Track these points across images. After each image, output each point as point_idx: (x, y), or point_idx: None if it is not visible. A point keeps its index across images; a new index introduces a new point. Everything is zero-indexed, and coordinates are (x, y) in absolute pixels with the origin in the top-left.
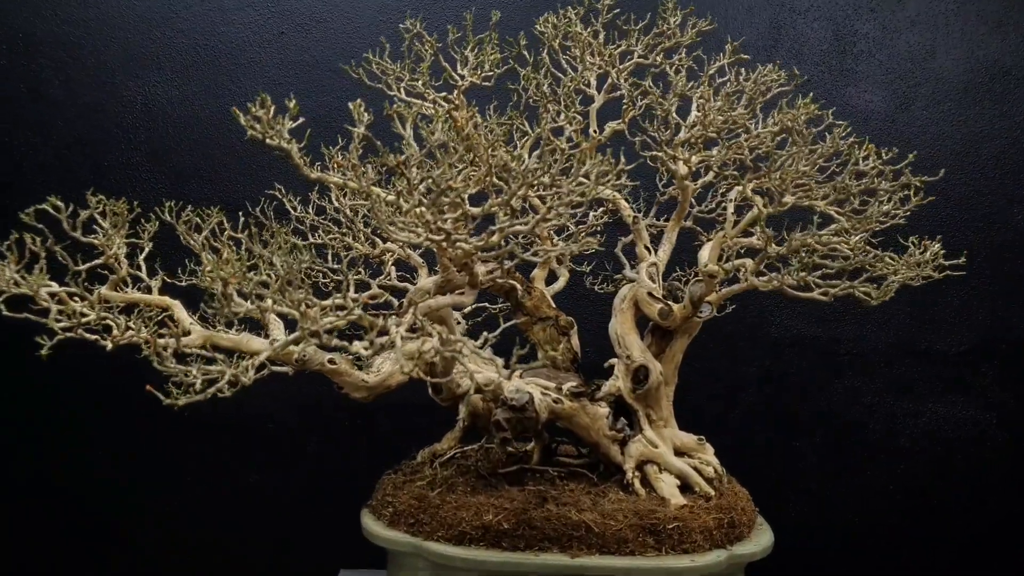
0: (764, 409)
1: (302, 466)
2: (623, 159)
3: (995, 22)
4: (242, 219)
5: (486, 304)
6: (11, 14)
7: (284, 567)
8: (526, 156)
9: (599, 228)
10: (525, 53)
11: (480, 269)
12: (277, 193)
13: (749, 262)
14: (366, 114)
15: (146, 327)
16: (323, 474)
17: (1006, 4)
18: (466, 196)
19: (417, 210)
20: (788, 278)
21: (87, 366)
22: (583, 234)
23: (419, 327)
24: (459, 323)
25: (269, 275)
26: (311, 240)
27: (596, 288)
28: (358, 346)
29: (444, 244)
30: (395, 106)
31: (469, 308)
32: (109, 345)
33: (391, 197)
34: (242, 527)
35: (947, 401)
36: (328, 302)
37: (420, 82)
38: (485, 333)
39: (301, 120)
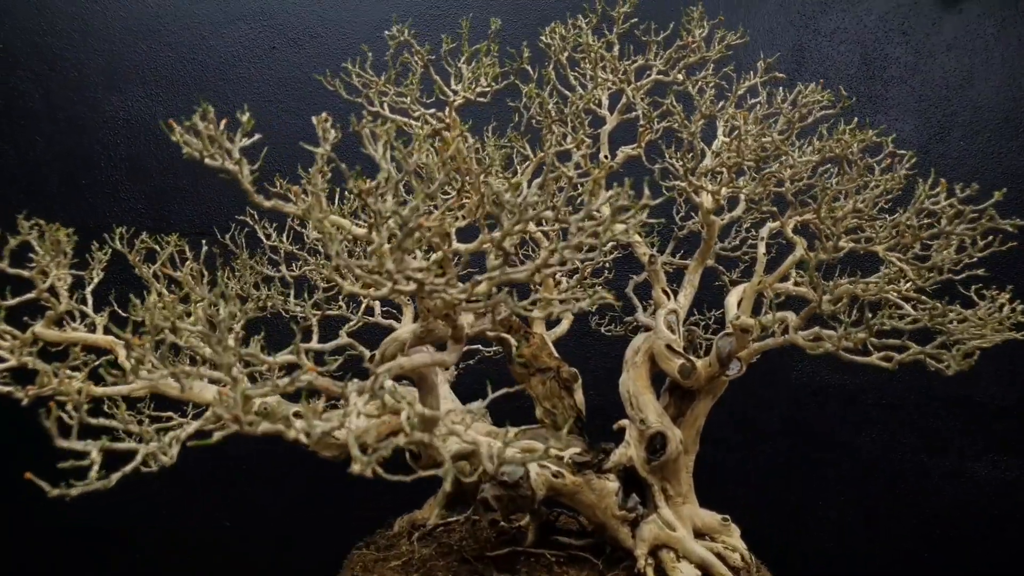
0: (785, 464)
1: (275, 514)
2: (647, 191)
3: None
4: (205, 248)
5: (479, 347)
6: None
7: None
8: (525, 185)
9: (609, 265)
10: (528, 68)
11: (467, 320)
12: (248, 219)
13: (791, 316)
14: (332, 131)
15: (79, 372)
16: (302, 520)
17: None
18: (451, 233)
19: (381, 251)
20: (845, 341)
21: None
22: (594, 283)
23: (383, 396)
24: (447, 369)
25: (206, 322)
26: (284, 272)
27: (603, 330)
28: (297, 431)
29: (418, 295)
30: (363, 122)
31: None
32: (24, 399)
33: (362, 231)
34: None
35: (988, 461)
36: (277, 358)
37: (408, 98)
38: (474, 404)
39: (258, 137)
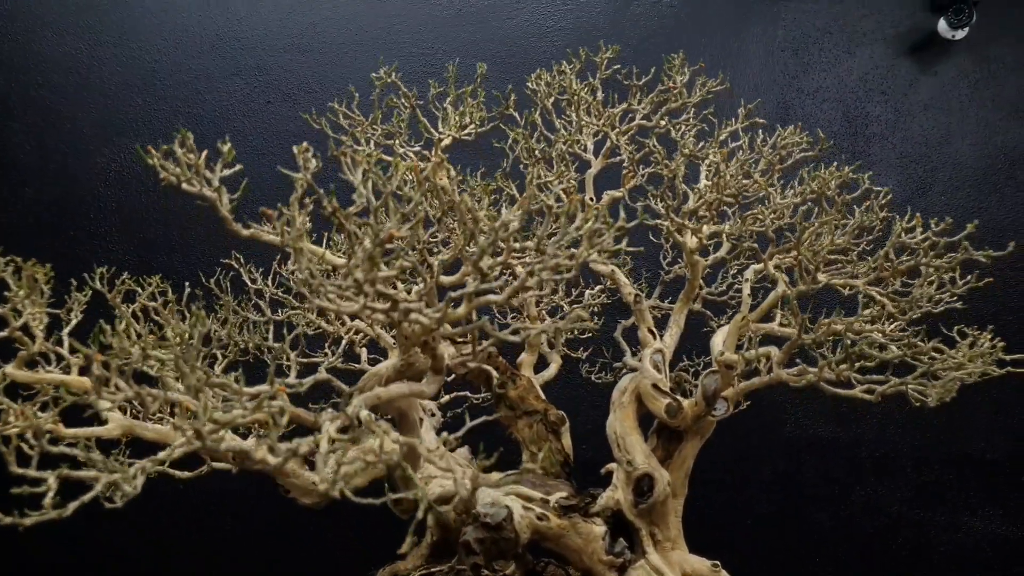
0: (779, 518)
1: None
2: (623, 215)
3: (1012, 109)
4: (188, 290)
5: (466, 394)
6: None
7: None
8: (504, 209)
9: (596, 308)
10: (515, 114)
11: (448, 351)
12: (234, 263)
13: (775, 351)
14: (313, 160)
15: (48, 411)
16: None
17: (1023, 91)
18: (434, 264)
19: (355, 270)
20: (827, 371)
21: None
22: (574, 310)
23: (357, 424)
24: (433, 415)
25: (171, 351)
26: (268, 316)
27: (593, 377)
28: (264, 454)
29: (394, 316)
30: (343, 148)
31: (444, 398)
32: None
33: (340, 260)
34: None
35: (984, 515)
36: (249, 389)
37: (396, 140)
38: (445, 433)
39: (238, 167)
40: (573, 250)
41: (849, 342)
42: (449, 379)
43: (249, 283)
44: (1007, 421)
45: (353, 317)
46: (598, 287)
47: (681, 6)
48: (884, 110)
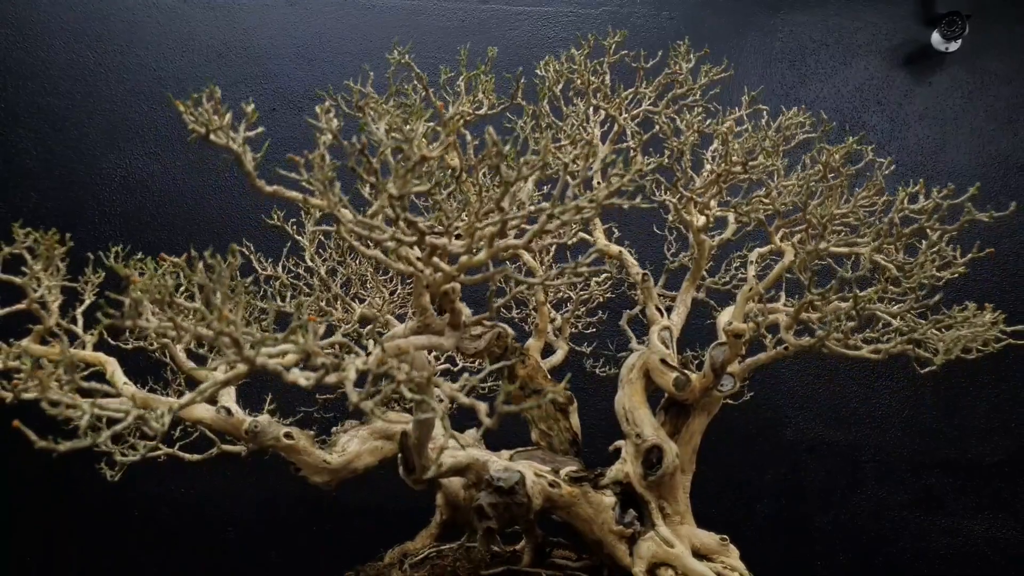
0: (782, 522)
1: (266, 555)
2: (640, 159)
3: (1004, 119)
4: (202, 269)
5: (475, 379)
6: None
7: None
8: (526, 184)
9: (602, 299)
10: (523, 102)
11: (464, 311)
12: (244, 250)
13: (783, 317)
14: (335, 119)
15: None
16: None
17: (1014, 102)
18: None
19: (386, 191)
20: (835, 333)
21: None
22: (574, 270)
23: (382, 363)
24: (441, 401)
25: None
26: (279, 304)
27: (597, 371)
28: (296, 374)
29: (420, 264)
30: (366, 99)
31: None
32: (9, 396)
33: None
34: None
35: (984, 519)
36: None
37: (408, 125)
38: (466, 375)
39: (260, 129)
40: (590, 193)
41: (857, 306)
42: (458, 369)
43: (259, 270)
44: (1006, 423)
45: (360, 302)
46: (604, 275)
47: (680, 19)
48: (880, 120)
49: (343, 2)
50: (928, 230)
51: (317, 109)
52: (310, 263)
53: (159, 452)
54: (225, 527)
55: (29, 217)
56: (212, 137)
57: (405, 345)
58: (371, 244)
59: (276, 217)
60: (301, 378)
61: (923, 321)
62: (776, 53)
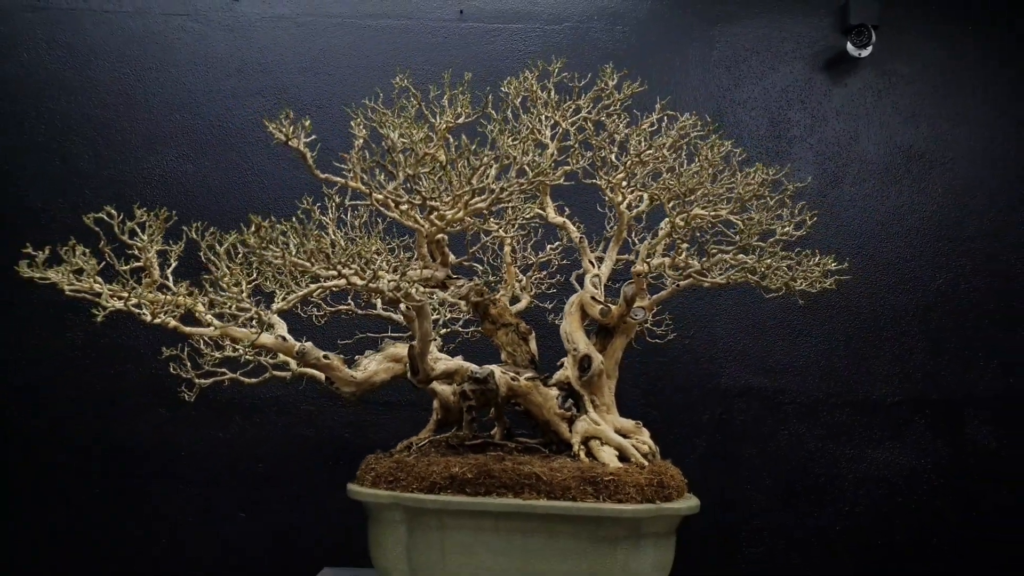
0: (718, 453)
1: (290, 488)
2: (554, 152)
3: (908, 114)
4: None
5: (458, 329)
6: (51, 99)
7: (272, 559)
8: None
9: (557, 264)
10: (492, 111)
11: (450, 257)
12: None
13: (667, 260)
14: (364, 130)
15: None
16: (309, 489)
17: (915, 99)
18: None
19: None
20: (693, 261)
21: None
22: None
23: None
24: (434, 340)
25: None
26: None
27: (557, 322)
28: (357, 282)
29: (421, 220)
30: (384, 115)
31: (442, 331)
32: (148, 318)
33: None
34: (238, 521)
35: (885, 448)
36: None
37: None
38: (453, 287)
39: (313, 136)
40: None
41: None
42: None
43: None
44: (904, 371)
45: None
46: (557, 243)
47: (631, 31)
48: (803, 116)
49: (342, 23)
50: (767, 198)
51: (351, 123)
52: (333, 236)
53: (225, 376)
54: (257, 464)
55: (84, 209)
56: (290, 143)
57: (412, 273)
58: (392, 207)
59: (306, 202)
60: (356, 278)
61: (752, 259)
62: (714, 60)
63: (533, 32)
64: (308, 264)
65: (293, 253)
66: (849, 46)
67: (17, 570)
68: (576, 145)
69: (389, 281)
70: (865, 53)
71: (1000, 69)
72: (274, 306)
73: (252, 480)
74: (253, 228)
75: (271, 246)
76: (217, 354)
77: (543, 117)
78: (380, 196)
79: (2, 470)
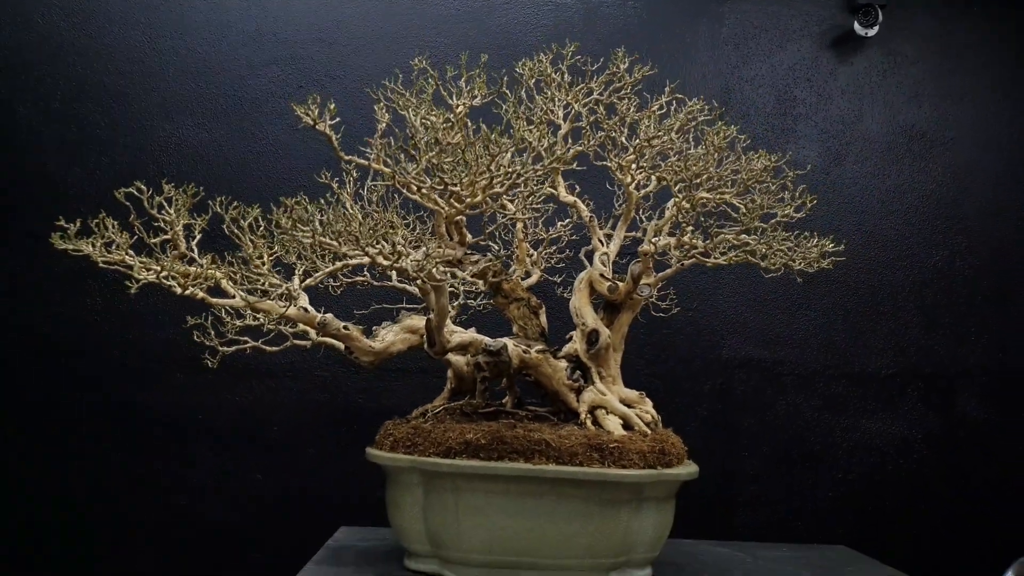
0: (718, 422)
1: (305, 451)
2: (576, 148)
3: (911, 94)
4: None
5: (470, 302)
6: (68, 66)
7: (289, 519)
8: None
9: (567, 240)
10: (507, 91)
11: (468, 237)
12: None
13: (673, 240)
14: (387, 113)
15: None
16: (324, 452)
17: (919, 79)
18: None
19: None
20: (698, 242)
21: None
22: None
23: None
24: (449, 314)
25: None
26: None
27: (566, 296)
28: (380, 259)
29: (441, 202)
30: (405, 98)
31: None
32: (179, 290)
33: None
34: (255, 483)
35: (878, 418)
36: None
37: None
38: (470, 268)
39: (337, 119)
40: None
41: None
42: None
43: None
44: (898, 345)
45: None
46: (567, 219)
47: (643, 7)
48: (808, 94)
49: None
50: (769, 183)
51: (375, 108)
52: (351, 210)
53: (247, 344)
54: (272, 427)
55: (101, 177)
56: (318, 127)
57: (432, 253)
58: (414, 190)
59: (325, 176)
60: (381, 258)
61: (754, 239)
62: (723, 37)
63: (546, 6)
64: (336, 244)
65: (321, 233)
66: (856, 25)
67: (36, 527)
68: (587, 127)
69: (413, 261)
70: (872, 32)
71: (1002, 51)
72: (296, 281)
73: (268, 443)
74: (283, 208)
75: (302, 227)
76: (238, 323)
77: (556, 98)
78: (403, 180)
79: (23, 430)
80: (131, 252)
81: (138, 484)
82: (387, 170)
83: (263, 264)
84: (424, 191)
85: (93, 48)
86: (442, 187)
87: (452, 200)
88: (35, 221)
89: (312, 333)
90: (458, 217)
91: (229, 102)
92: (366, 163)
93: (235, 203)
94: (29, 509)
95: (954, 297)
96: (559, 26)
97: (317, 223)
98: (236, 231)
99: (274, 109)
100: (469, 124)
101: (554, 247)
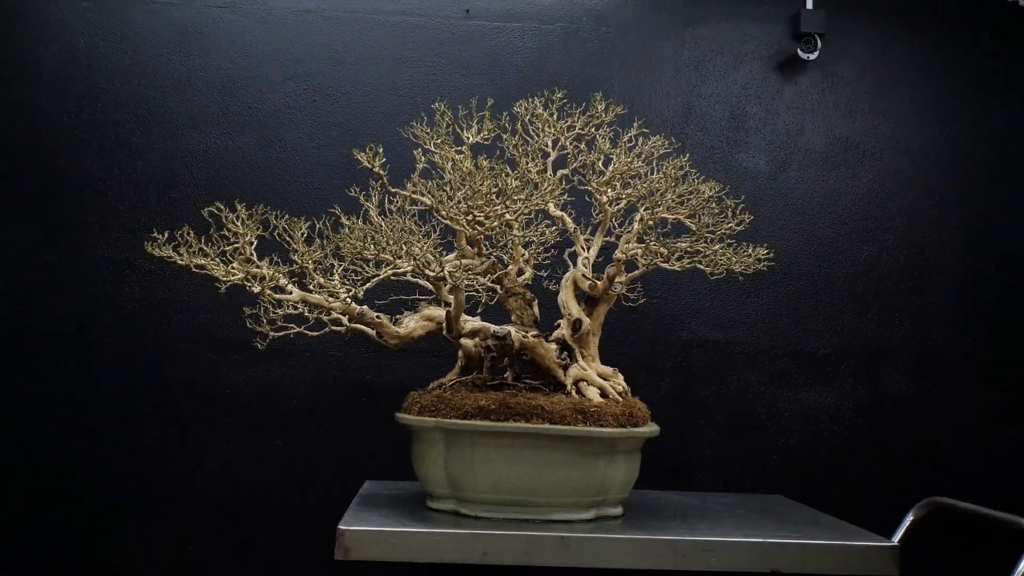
0: (678, 395)
1: (323, 419)
2: (565, 180)
3: (847, 110)
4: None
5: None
6: (107, 81)
7: (317, 476)
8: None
9: (552, 242)
10: (508, 126)
11: (485, 251)
12: (358, 228)
13: (640, 248)
14: (421, 155)
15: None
16: (340, 421)
17: (853, 98)
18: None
19: (460, 205)
20: (659, 248)
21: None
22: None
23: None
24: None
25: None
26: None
27: (552, 288)
28: (437, 269)
29: (465, 223)
30: (427, 137)
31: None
32: (256, 289)
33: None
34: (281, 443)
35: (815, 391)
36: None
37: (443, 143)
38: (479, 276)
39: (385, 160)
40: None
41: (673, 243)
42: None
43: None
44: (833, 328)
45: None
46: (553, 227)
47: (616, 32)
48: (758, 110)
49: (362, 17)
50: (710, 201)
51: (415, 153)
52: (377, 219)
53: (292, 330)
54: (293, 400)
55: (137, 182)
56: (376, 169)
57: (455, 262)
58: (444, 214)
59: (354, 191)
60: (427, 269)
61: (705, 246)
62: (685, 59)
63: (530, 30)
64: (390, 258)
65: (379, 251)
66: (799, 51)
67: (71, 495)
68: (572, 156)
69: (449, 271)
70: (812, 57)
71: (924, 75)
72: (357, 286)
73: (291, 413)
74: (348, 230)
75: (365, 245)
76: (279, 311)
77: (545, 132)
78: (446, 207)
79: (63, 404)
80: (217, 261)
81: (170, 447)
82: (428, 201)
83: (311, 267)
84: (454, 216)
85: (129, 66)
86: (470, 217)
87: (475, 224)
88: (77, 217)
89: (345, 320)
90: (478, 236)
91: (251, 114)
92: (412, 195)
93: (285, 215)
94: (68, 473)
95: (881, 286)
96: (542, 48)
97: (375, 242)
98: (288, 239)
99: (290, 120)
100: (482, 161)
101: (542, 247)
